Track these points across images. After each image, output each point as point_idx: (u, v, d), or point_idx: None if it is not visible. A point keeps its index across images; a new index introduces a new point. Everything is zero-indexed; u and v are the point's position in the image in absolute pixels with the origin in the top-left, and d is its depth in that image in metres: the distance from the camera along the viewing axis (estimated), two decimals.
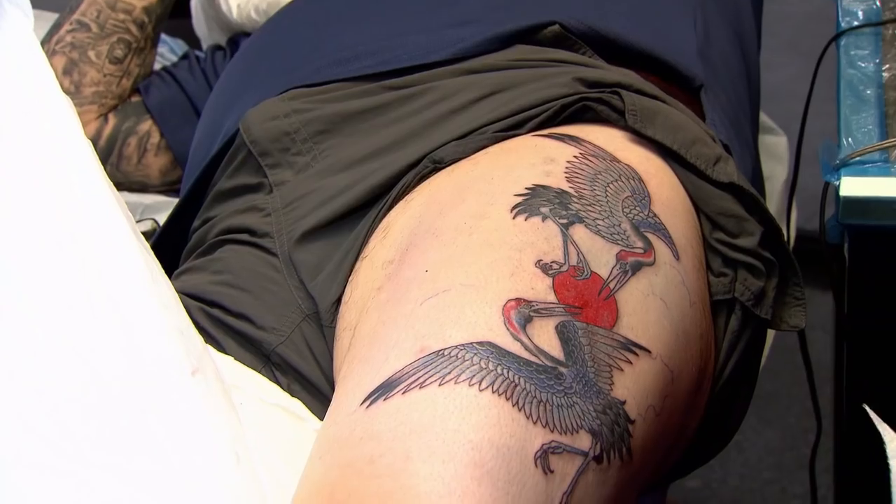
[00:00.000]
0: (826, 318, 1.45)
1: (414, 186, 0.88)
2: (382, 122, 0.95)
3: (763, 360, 1.22)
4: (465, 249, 0.77)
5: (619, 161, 0.85)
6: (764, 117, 1.40)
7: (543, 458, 0.68)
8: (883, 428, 0.74)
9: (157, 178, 1.36)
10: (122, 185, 1.35)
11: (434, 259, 0.77)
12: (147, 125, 1.35)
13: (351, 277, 0.86)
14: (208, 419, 0.73)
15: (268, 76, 1.05)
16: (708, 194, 0.87)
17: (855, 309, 0.96)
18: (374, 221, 0.87)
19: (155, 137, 1.35)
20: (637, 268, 0.78)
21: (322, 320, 0.87)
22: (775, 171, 1.39)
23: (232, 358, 0.86)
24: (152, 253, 0.79)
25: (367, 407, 0.70)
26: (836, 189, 0.91)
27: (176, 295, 0.79)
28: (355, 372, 0.75)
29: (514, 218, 0.78)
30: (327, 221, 0.90)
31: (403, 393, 0.69)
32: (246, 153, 0.98)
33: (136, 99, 1.36)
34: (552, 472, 0.68)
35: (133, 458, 0.70)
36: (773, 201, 1.38)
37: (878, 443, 0.97)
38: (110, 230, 0.76)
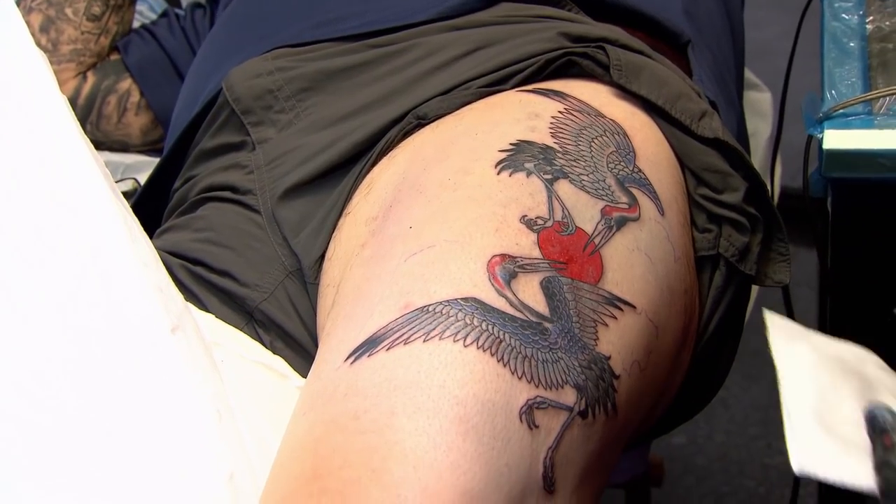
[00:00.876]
0: (811, 274, 1.45)
1: (398, 142, 0.88)
2: (366, 80, 0.95)
3: (747, 316, 1.23)
4: (449, 205, 0.76)
5: (603, 116, 0.84)
6: (748, 73, 1.40)
7: (528, 413, 0.68)
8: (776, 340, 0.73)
9: (138, 137, 1.35)
10: (102, 144, 1.34)
11: (418, 215, 0.77)
12: (127, 84, 1.34)
13: (334, 234, 0.86)
14: (189, 376, 0.73)
15: (252, 40, 1.05)
16: (693, 150, 0.87)
17: (838, 262, 0.96)
18: (358, 178, 0.87)
19: (135, 96, 1.34)
20: (622, 223, 0.78)
21: (305, 277, 0.86)
22: (759, 128, 1.38)
23: (213, 315, 0.86)
24: (131, 211, 0.79)
25: (352, 363, 0.70)
26: (820, 142, 0.91)
27: (156, 253, 0.78)
28: (339, 328, 0.75)
29: (498, 174, 0.78)
30: (310, 178, 0.89)
31: (388, 349, 0.69)
32: (229, 112, 0.98)
33: (115, 57, 1.35)
34: (537, 427, 0.68)
35: (113, 416, 0.70)
36: (757, 158, 1.38)
37: None
38: (88, 188, 0.76)
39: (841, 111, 0.93)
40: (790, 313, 1.15)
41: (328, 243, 0.86)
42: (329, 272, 0.84)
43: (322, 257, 0.86)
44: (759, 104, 1.40)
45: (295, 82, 0.96)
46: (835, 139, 0.91)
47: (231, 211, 0.93)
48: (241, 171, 0.94)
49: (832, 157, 0.90)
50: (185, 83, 1.16)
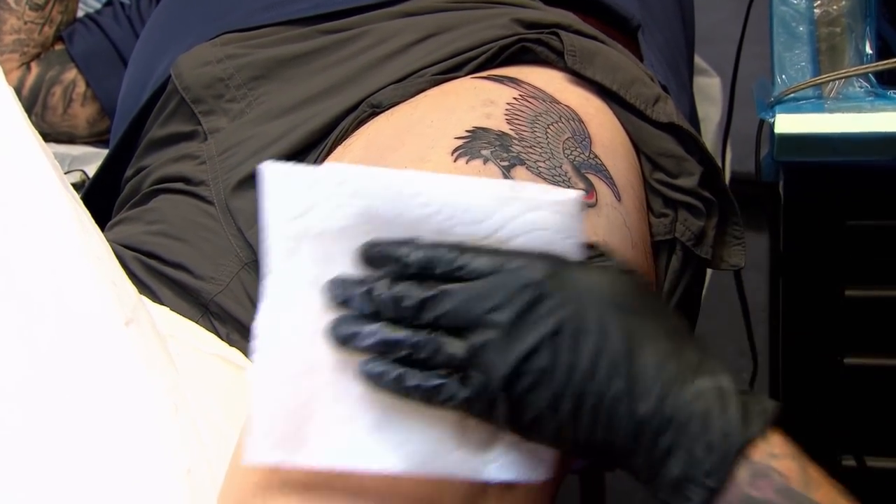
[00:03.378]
0: (760, 258, 1.46)
1: (352, 131, 0.87)
2: (318, 67, 0.94)
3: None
4: None
5: (559, 102, 0.84)
6: (697, 59, 1.40)
7: None
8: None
9: (85, 128, 1.33)
10: (48, 136, 1.31)
11: None
12: (72, 74, 1.32)
13: None
14: (144, 370, 0.71)
15: (199, 22, 1.03)
16: (648, 135, 0.87)
17: (790, 245, 0.97)
18: None
19: (80, 87, 1.32)
20: None
21: (261, 268, 0.86)
22: (709, 113, 1.39)
23: (167, 308, 0.85)
24: (82, 204, 0.77)
25: None
26: (771, 126, 0.92)
27: (108, 245, 0.77)
28: None
29: (455, 161, 0.78)
30: None
31: None
32: (178, 100, 0.96)
33: (59, 47, 1.32)
34: None
35: (66, 411, 0.68)
36: (708, 143, 1.39)
37: (813, 380, 0.98)
38: (37, 181, 0.74)
39: (791, 95, 0.94)
40: (742, 297, 1.16)
41: None
42: None
43: None
44: (709, 89, 1.41)
45: (246, 70, 0.95)
46: (786, 123, 0.92)
47: (184, 202, 0.92)
48: (194, 162, 0.93)
49: (784, 141, 0.91)
50: (129, 67, 1.13)
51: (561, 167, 0.79)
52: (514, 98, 0.83)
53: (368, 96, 0.88)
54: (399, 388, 0.59)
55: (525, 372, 0.58)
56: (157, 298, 0.87)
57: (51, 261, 0.72)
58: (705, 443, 0.56)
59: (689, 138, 0.87)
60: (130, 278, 0.78)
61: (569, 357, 0.57)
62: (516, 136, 0.80)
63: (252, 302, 0.86)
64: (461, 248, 0.60)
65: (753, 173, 1.31)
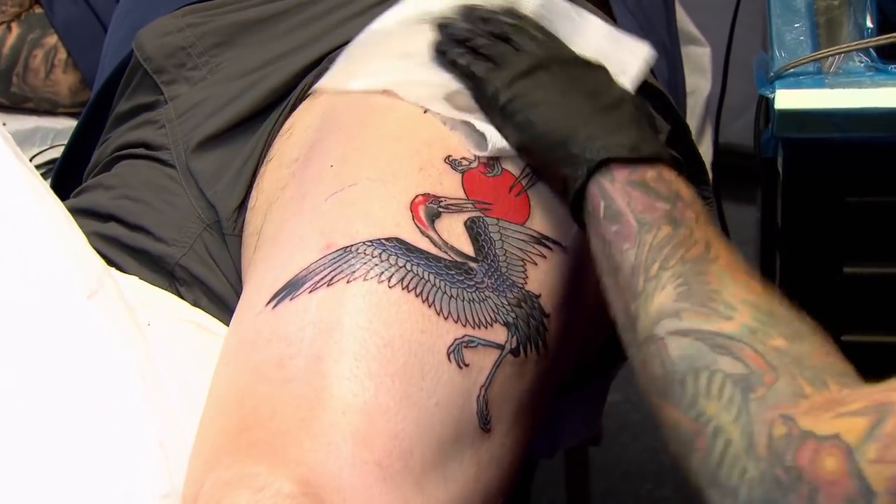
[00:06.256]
0: (748, 231, 1.46)
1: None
2: (280, 31, 0.93)
3: None
4: (371, 142, 0.76)
5: None
6: (690, 27, 1.39)
7: (457, 352, 0.68)
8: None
9: (67, 96, 1.32)
10: (30, 100, 1.30)
11: (339, 153, 0.76)
12: (53, 39, 1.30)
13: (256, 182, 0.84)
14: (110, 342, 0.70)
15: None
16: None
17: (789, 222, 0.96)
18: (276, 124, 0.85)
19: (62, 53, 1.30)
20: None
21: (223, 228, 0.85)
22: (699, 85, 1.38)
23: (136, 277, 0.83)
24: (39, 175, 0.76)
25: (274, 307, 0.69)
26: (771, 102, 0.91)
27: (70, 217, 0.76)
28: (259, 272, 0.73)
29: (424, 111, 0.77)
30: (225, 128, 0.88)
31: (310, 291, 0.68)
32: (142, 73, 0.95)
33: (38, 10, 1.31)
34: (468, 366, 0.68)
35: (30, 387, 0.67)
36: (696, 115, 1.38)
37: None
38: None
39: (791, 70, 0.92)
40: None
41: (247, 192, 0.84)
42: (252, 221, 0.82)
43: (241, 207, 0.84)
44: (699, 58, 1.40)
45: (208, 37, 0.93)
46: (786, 99, 0.90)
47: (145, 167, 0.91)
48: (153, 127, 0.92)
49: (784, 117, 0.90)
50: (107, 40, 1.12)
51: None
52: None
53: (330, 52, 0.87)
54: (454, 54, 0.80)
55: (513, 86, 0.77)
56: (122, 271, 0.86)
57: (9, 235, 0.70)
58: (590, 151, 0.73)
59: (657, 96, 0.87)
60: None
61: (532, 84, 0.77)
62: None
63: (217, 263, 0.85)
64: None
65: (736, 143, 1.30)
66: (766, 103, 0.94)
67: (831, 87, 0.91)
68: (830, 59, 0.93)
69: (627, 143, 0.72)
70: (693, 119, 1.36)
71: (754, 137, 0.98)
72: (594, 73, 0.79)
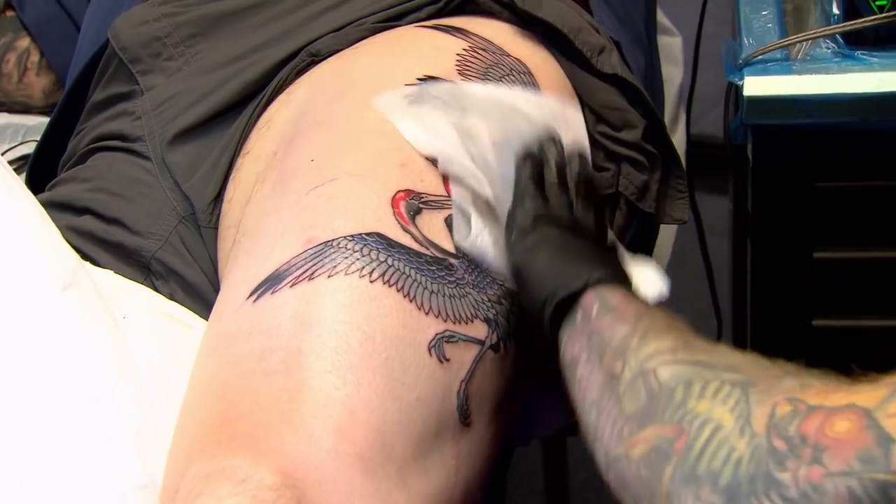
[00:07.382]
0: (719, 220, 1.47)
1: (292, 80, 0.86)
2: (257, 22, 0.93)
3: (668, 260, 1.24)
4: (353, 137, 0.75)
5: (508, 55, 0.84)
6: (661, 17, 1.40)
7: (438, 346, 0.69)
8: None
9: (41, 98, 1.31)
10: (3, 104, 1.29)
11: (320, 147, 0.76)
12: (25, 42, 1.29)
13: (233, 175, 0.84)
14: (84, 335, 0.70)
15: None
16: (592, 87, 0.87)
17: (759, 209, 0.97)
18: (252, 117, 0.85)
19: (35, 56, 1.29)
20: None
21: (199, 221, 0.84)
22: (671, 74, 1.38)
23: (111, 270, 0.83)
24: (11, 170, 0.76)
25: (255, 301, 0.69)
26: (740, 89, 0.91)
27: (43, 211, 0.75)
28: (240, 265, 0.73)
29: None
30: (200, 120, 0.87)
31: (292, 286, 0.68)
32: (117, 62, 0.95)
33: (10, 13, 1.30)
34: (448, 360, 0.69)
35: (6, 379, 0.67)
36: (669, 104, 1.38)
37: (782, 342, 0.99)
38: None
39: (759, 57, 0.93)
40: (706, 258, 1.16)
41: (223, 184, 0.84)
42: (229, 214, 0.82)
43: (217, 200, 0.84)
44: (671, 48, 1.40)
45: (184, 28, 0.93)
46: (755, 86, 0.91)
47: (120, 159, 0.90)
48: (129, 119, 0.92)
49: (753, 103, 0.91)
50: (81, 34, 1.12)
51: None
52: (465, 49, 0.83)
53: (307, 45, 0.87)
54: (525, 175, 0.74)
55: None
56: (96, 264, 0.86)
57: None
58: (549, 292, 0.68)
59: (632, 91, 0.87)
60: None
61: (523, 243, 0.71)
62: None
63: (192, 256, 0.85)
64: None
65: (710, 135, 1.30)
66: (736, 90, 0.95)
67: (799, 73, 0.91)
68: (798, 45, 0.93)
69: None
70: (666, 108, 1.36)
71: (724, 125, 0.98)
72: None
